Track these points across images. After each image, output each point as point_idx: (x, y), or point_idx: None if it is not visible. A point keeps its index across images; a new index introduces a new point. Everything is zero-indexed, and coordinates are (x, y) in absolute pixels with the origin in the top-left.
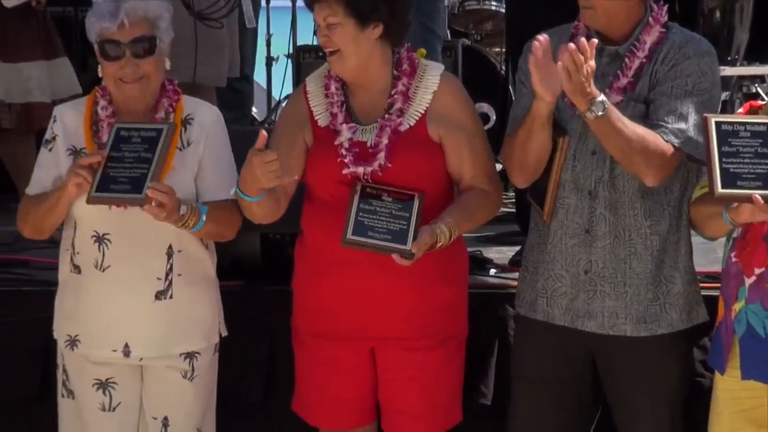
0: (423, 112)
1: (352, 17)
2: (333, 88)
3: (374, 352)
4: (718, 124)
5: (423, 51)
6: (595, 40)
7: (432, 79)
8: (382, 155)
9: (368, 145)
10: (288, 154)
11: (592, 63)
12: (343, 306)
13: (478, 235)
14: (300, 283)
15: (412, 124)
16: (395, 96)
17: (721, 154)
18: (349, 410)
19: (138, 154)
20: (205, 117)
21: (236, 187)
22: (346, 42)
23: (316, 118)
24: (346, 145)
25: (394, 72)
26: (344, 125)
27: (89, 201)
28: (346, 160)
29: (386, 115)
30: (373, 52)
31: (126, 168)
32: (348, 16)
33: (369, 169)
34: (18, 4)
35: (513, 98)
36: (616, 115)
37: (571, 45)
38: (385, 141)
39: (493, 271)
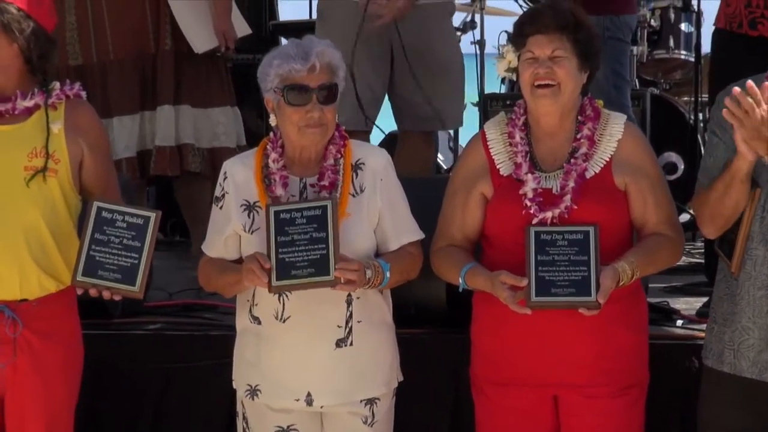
0: (608, 159)
1: (576, 55)
2: (518, 137)
3: (556, 399)
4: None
5: (601, 102)
6: (767, 83)
7: (616, 127)
8: (568, 197)
9: (553, 191)
10: (464, 211)
11: (766, 106)
12: (524, 352)
13: (665, 285)
14: (480, 330)
15: (597, 171)
16: (581, 140)
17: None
18: None
19: (309, 235)
20: (376, 162)
21: (464, 282)
22: (568, 76)
23: (498, 166)
24: (531, 194)
25: (579, 118)
26: (529, 175)
27: (272, 290)
28: (531, 210)
29: (571, 160)
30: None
31: (302, 251)
32: (574, 53)
33: (557, 211)
34: (208, 50)
35: (702, 148)
36: None
37: (737, 88)
38: (571, 184)
39: (680, 322)
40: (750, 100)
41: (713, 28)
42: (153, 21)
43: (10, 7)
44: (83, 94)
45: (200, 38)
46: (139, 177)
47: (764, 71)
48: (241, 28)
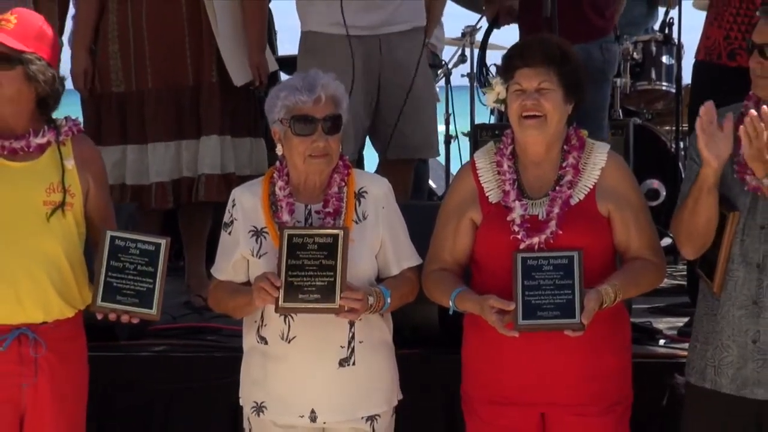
0: (592, 187)
1: (562, 87)
2: (506, 166)
3: (544, 418)
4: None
5: (585, 131)
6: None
7: (600, 156)
8: (553, 223)
9: (540, 218)
10: (454, 237)
11: None
12: (513, 373)
13: (648, 306)
14: (470, 352)
15: (581, 198)
16: (566, 168)
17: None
18: None
19: (319, 262)
20: (377, 189)
21: (454, 305)
22: (554, 108)
23: (486, 194)
24: (518, 221)
25: (564, 147)
26: (516, 202)
27: (278, 311)
28: (519, 236)
29: (557, 188)
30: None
31: (310, 276)
32: (560, 85)
33: (543, 237)
34: (245, 83)
35: (683, 175)
36: None
37: (753, 111)
38: (556, 210)
39: (662, 342)
40: (761, 123)
41: (693, 60)
42: (192, 53)
43: (34, 58)
44: (82, 128)
45: (239, 71)
46: (172, 203)
47: (742, 100)
48: (271, 62)
